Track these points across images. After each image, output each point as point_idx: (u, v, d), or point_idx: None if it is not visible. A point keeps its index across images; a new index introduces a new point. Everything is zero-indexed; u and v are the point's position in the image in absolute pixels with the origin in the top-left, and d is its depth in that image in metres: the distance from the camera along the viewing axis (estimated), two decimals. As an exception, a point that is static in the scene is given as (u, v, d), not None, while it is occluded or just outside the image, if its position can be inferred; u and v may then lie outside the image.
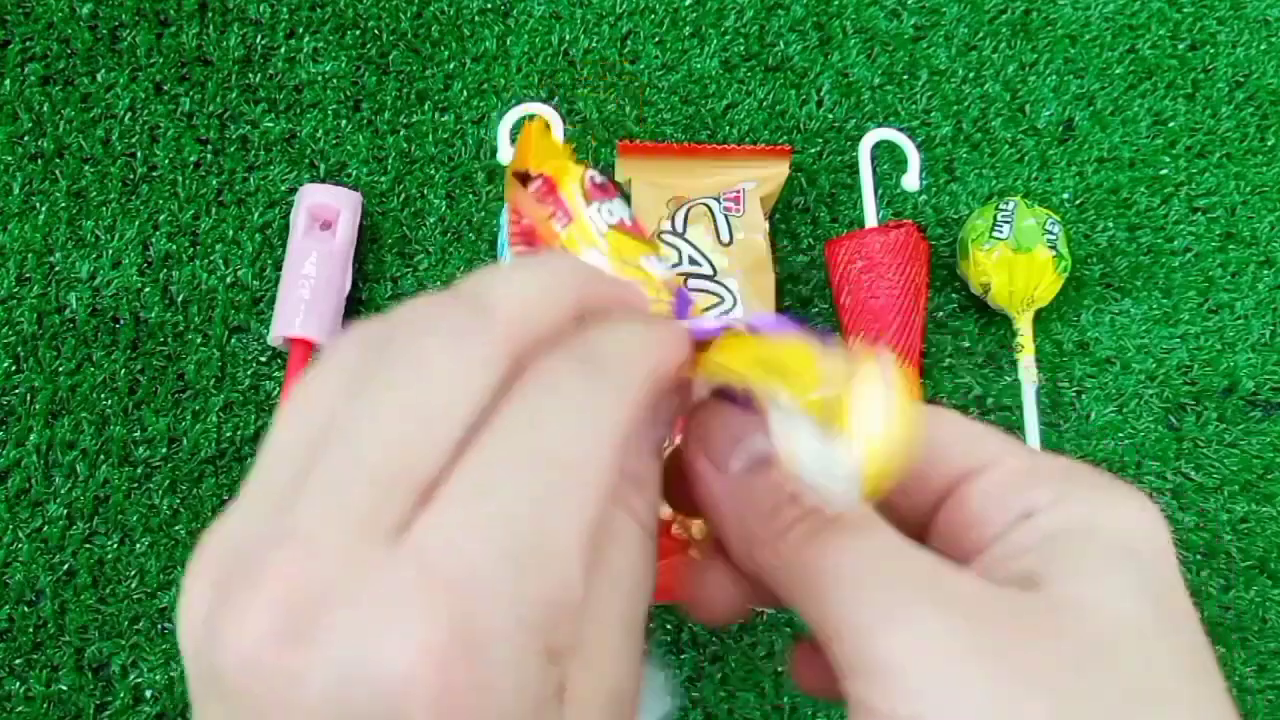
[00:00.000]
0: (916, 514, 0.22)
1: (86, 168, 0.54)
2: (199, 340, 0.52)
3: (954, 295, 0.55)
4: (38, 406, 0.50)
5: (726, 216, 0.51)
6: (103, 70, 0.55)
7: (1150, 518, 0.20)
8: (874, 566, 0.19)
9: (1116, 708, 0.17)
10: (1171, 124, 0.58)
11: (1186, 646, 0.19)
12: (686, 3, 0.59)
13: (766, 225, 0.53)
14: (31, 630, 0.47)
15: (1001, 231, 0.51)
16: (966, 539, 0.20)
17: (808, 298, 0.54)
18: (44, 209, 0.53)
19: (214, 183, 0.54)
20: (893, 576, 0.19)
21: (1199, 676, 0.19)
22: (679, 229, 0.51)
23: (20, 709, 0.46)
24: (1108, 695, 0.17)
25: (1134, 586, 0.19)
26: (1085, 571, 0.19)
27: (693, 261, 0.51)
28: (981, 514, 0.20)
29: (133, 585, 0.48)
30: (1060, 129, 0.58)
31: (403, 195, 0.54)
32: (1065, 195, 0.56)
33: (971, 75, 0.58)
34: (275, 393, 0.51)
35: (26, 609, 0.48)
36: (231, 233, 0.53)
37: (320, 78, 0.56)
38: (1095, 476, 0.21)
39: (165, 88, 0.55)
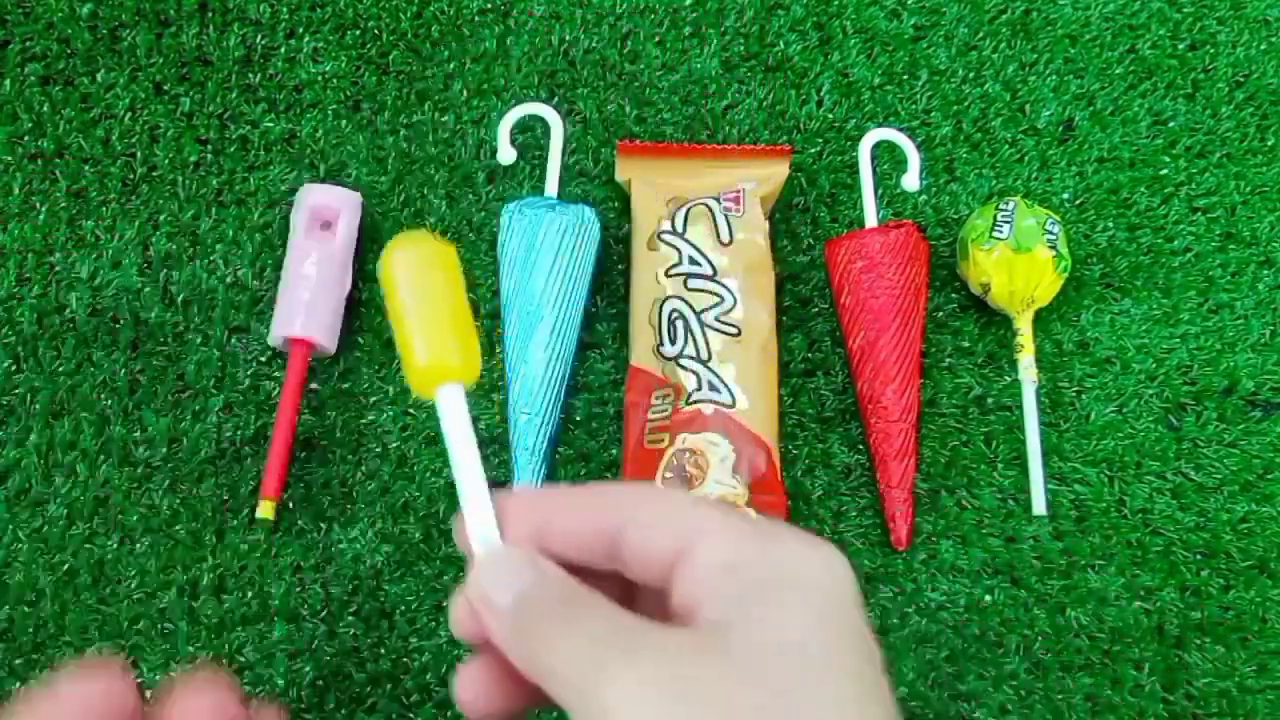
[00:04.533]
0: (655, 586, 0.26)
1: (86, 168, 0.54)
2: (199, 340, 0.52)
3: (954, 295, 0.55)
4: (38, 406, 0.50)
5: (726, 216, 0.51)
6: (103, 70, 0.55)
7: (833, 565, 0.24)
8: (587, 637, 0.24)
9: (777, 716, 0.22)
10: (1171, 124, 0.58)
11: (851, 667, 0.23)
12: (686, 3, 0.59)
13: (766, 225, 0.53)
14: (31, 630, 0.47)
15: (1001, 231, 0.51)
16: (690, 599, 0.24)
17: (808, 298, 0.54)
18: (44, 209, 0.53)
19: (214, 183, 0.54)
20: (604, 642, 0.24)
21: (857, 692, 0.23)
22: (679, 229, 0.51)
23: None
24: (772, 710, 0.22)
25: (810, 622, 0.23)
26: (769, 611, 0.23)
27: (693, 261, 0.51)
28: (695, 576, 0.24)
29: (133, 585, 0.48)
30: (1060, 129, 0.58)
31: (403, 195, 0.54)
32: (1065, 195, 0.56)
33: (971, 75, 0.58)
34: (275, 393, 0.51)
35: (26, 609, 0.48)
36: (231, 233, 0.53)
37: (320, 78, 0.56)
38: (793, 534, 0.25)
39: (165, 88, 0.56)
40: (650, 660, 0.23)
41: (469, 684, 0.27)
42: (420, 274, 0.34)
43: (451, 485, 0.51)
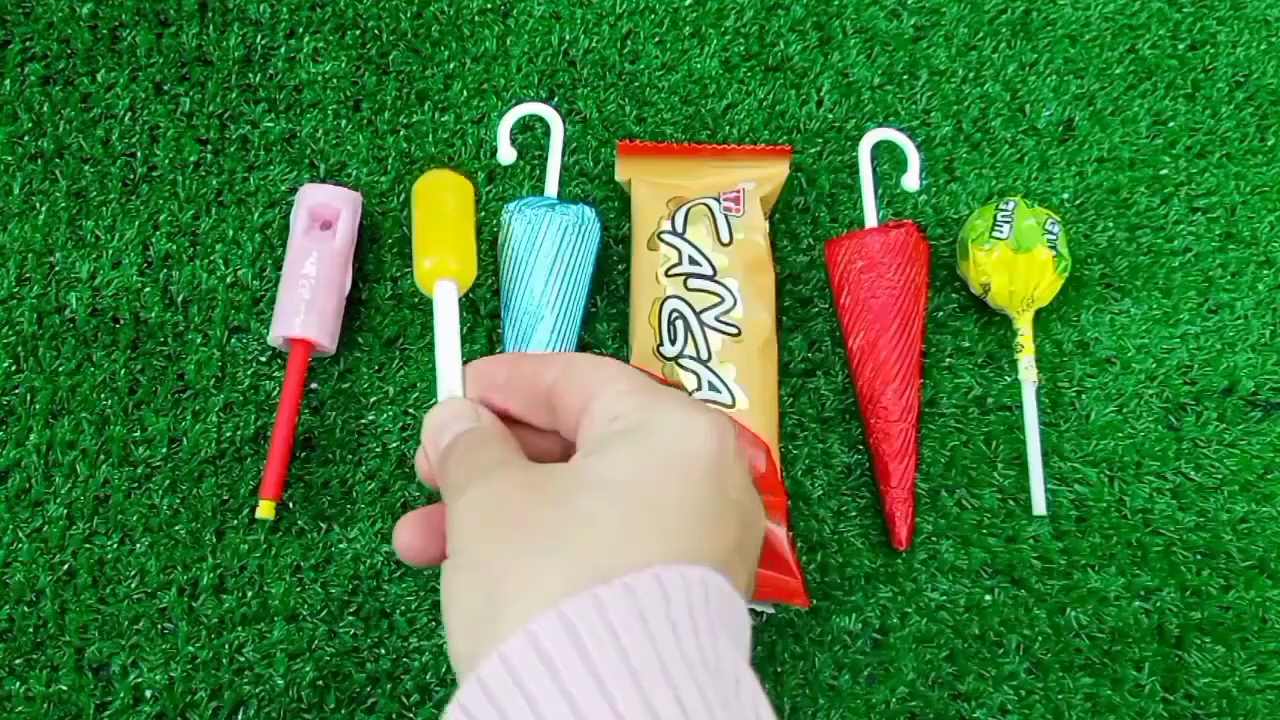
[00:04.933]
0: (570, 433, 0.30)
1: (86, 168, 0.54)
2: (199, 340, 0.52)
3: (954, 295, 0.55)
4: (38, 406, 0.50)
5: (726, 216, 0.51)
6: (103, 70, 0.55)
7: (700, 428, 0.27)
8: (466, 465, 0.29)
9: (561, 531, 0.25)
10: (1171, 124, 0.58)
11: (674, 508, 0.26)
12: (686, 3, 0.59)
13: (766, 225, 0.53)
14: (31, 630, 0.47)
15: (1001, 231, 0.51)
16: (579, 447, 0.29)
17: (808, 298, 0.54)
18: (44, 209, 0.53)
19: (214, 183, 0.54)
20: (472, 469, 0.28)
21: (671, 527, 0.25)
22: (679, 229, 0.51)
23: (20, 709, 0.46)
24: (559, 529, 0.25)
25: (646, 465, 0.26)
26: (613, 454, 0.27)
27: (693, 261, 0.51)
28: (585, 426, 0.29)
29: (133, 585, 0.48)
30: (1060, 129, 0.58)
31: (403, 195, 0.54)
32: (1065, 195, 0.56)
33: (971, 75, 0.58)
34: (275, 393, 0.51)
35: (26, 609, 0.48)
36: (231, 233, 0.53)
37: (320, 78, 0.56)
38: (677, 399, 0.28)
39: (165, 88, 0.56)
40: (483, 486, 0.27)
41: (408, 529, 0.31)
42: (439, 195, 0.46)
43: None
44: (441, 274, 0.44)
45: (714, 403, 0.48)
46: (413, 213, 0.46)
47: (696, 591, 0.24)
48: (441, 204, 0.46)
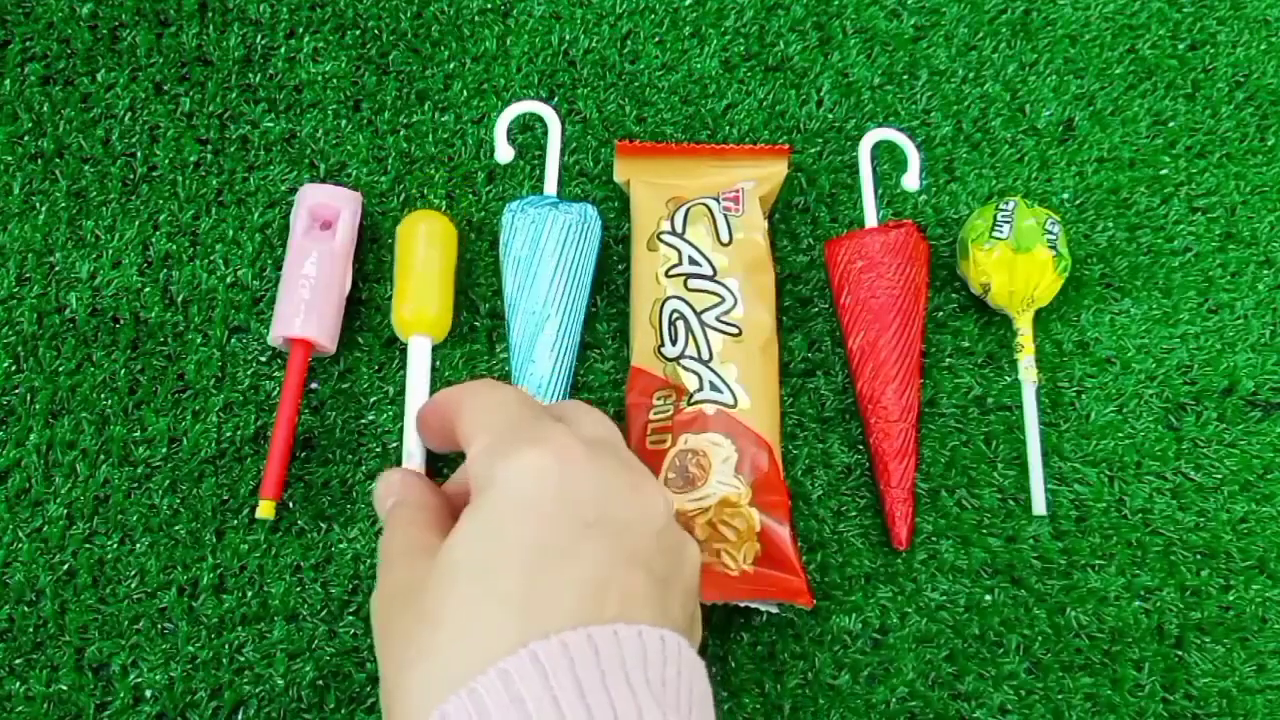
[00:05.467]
0: None
1: (86, 168, 0.54)
2: (199, 340, 0.52)
3: (954, 295, 0.55)
4: (38, 406, 0.50)
5: (726, 216, 0.51)
6: (103, 70, 0.55)
7: (522, 468, 0.28)
8: (385, 544, 0.33)
9: (418, 639, 0.26)
10: (1171, 124, 0.58)
11: (492, 581, 0.26)
12: (686, 3, 0.59)
13: (766, 225, 0.53)
14: (31, 630, 0.47)
15: (1001, 231, 0.51)
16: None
17: (808, 298, 0.54)
18: (44, 209, 0.53)
19: (214, 183, 0.54)
20: (387, 550, 0.32)
21: (502, 605, 0.25)
22: (678, 229, 0.51)
23: (20, 709, 0.46)
24: (421, 636, 0.26)
25: (475, 532, 0.27)
26: (458, 526, 0.28)
27: (692, 261, 0.51)
28: (465, 474, 0.31)
29: (133, 585, 0.48)
30: (1060, 129, 0.58)
31: (403, 195, 0.54)
32: (1065, 195, 0.56)
33: (971, 75, 0.58)
34: (275, 393, 0.51)
35: (26, 609, 0.48)
36: (231, 233, 0.53)
37: (320, 78, 0.56)
38: (522, 440, 0.28)
39: (165, 88, 0.55)
40: (382, 579, 0.30)
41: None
42: (417, 242, 0.50)
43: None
44: (415, 329, 0.49)
45: (716, 403, 0.48)
46: (398, 255, 0.51)
47: (560, 665, 0.23)
48: (423, 255, 0.50)
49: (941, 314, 0.54)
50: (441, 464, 0.50)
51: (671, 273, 0.51)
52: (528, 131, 0.56)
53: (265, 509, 0.47)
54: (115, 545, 0.49)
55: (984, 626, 0.49)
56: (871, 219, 0.54)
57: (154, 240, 0.53)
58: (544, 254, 0.50)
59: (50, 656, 0.47)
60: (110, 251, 0.53)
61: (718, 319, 0.50)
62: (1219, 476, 0.52)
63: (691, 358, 0.49)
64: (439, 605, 0.26)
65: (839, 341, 0.53)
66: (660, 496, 0.30)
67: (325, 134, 0.55)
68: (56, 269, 0.52)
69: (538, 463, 0.27)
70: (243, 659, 0.47)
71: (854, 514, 0.51)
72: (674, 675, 0.25)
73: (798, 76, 0.58)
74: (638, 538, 0.28)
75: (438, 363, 0.52)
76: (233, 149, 0.55)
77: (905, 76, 0.58)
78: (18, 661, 0.47)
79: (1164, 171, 0.57)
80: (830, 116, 0.57)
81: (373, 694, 0.47)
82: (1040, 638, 0.49)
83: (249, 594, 0.48)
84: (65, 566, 0.48)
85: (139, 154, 0.54)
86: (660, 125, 0.56)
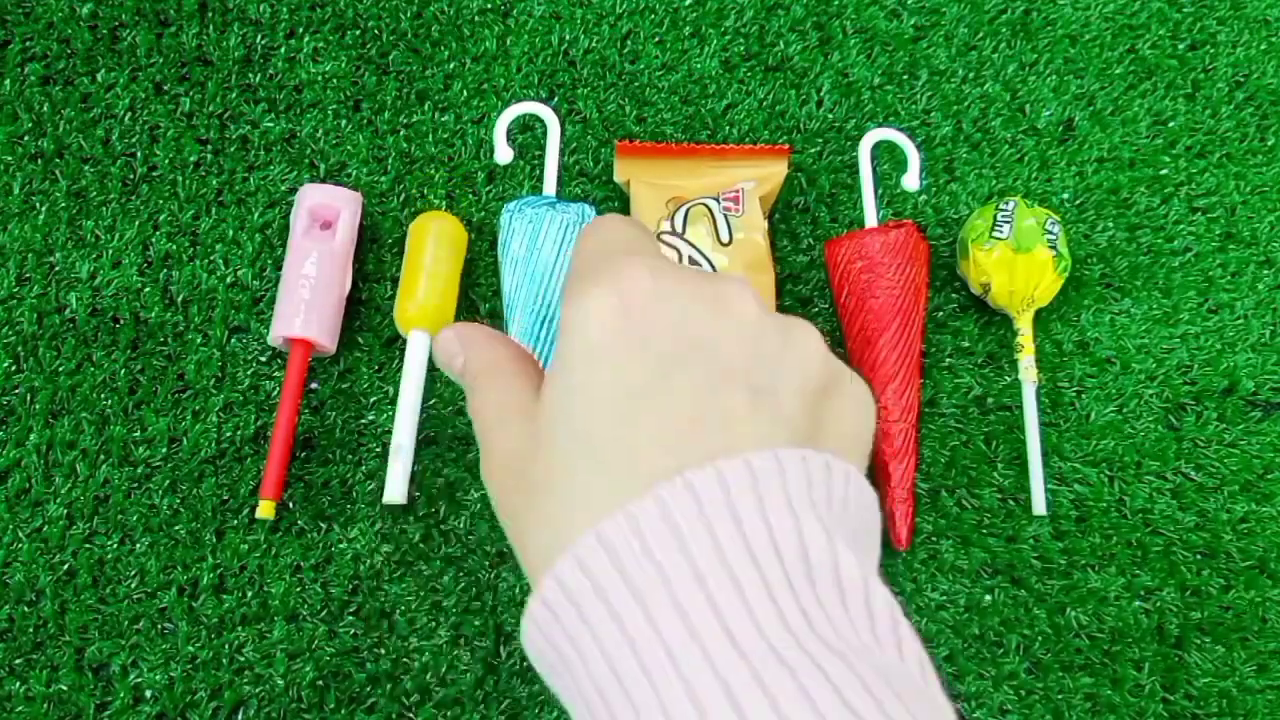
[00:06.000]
0: None
1: (86, 168, 0.54)
2: (199, 340, 0.52)
3: (954, 295, 0.55)
4: (38, 406, 0.50)
5: (726, 216, 0.51)
6: (103, 70, 0.55)
7: (583, 312, 0.25)
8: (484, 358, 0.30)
9: (553, 463, 0.25)
10: (1171, 124, 0.58)
11: (587, 434, 0.24)
12: (686, 3, 0.59)
13: (766, 225, 0.53)
14: (31, 630, 0.47)
15: (1001, 231, 0.51)
16: None
17: (808, 298, 0.54)
18: (44, 209, 0.53)
19: (214, 183, 0.54)
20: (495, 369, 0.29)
21: (599, 456, 0.24)
22: (679, 229, 0.51)
23: (20, 709, 0.46)
24: (547, 456, 0.25)
25: (551, 386, 0.26)
26: (545, 383, 0.26)
27: (693, 262, 0.51)
28: None
29: (133, 585, 0.48)
30: (1060, 129, 0.58)
31: (403, 195, 0.54)
32: (1065, 195, 0.56)
33: (971, 75, 0.58)
34: (275, 393, 0.51)
35: (26, 609, 0.48)
36: (231, 233, 0.53)
37: (320, 78, 0.56)
38: (586, 276, 0.26)
39: (165, 88, 0.56)
40: (483, 436, 0.28)
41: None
42: (432, 243, 0.51)
43: (451, 484, 0.51)
44: (415, 325, 0.50)
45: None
46: (407, 252, 0.51)
47: (688, 508, 0.22)
48: (428, 251, 0.51)
49: (941, 314, 0.54)
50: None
51: (671, 273, 0.51)
52: (528, 131, 0.56)
53: (265, 509, 0.47)
54: (115, 545, 0.48)
55: (984, 626, 0.49)
56: (871, 219, 0.54)
57: (154, 240, 0.53)
58: (542, 253, 0.50)
59: (50, 656, 0.47)
60: (110, 251, 0.53)
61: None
62: (1219, 476, 0.52)
63: (691, 358, 0.49)
64: (547, 473, 0.25)
65: (839, 341, 0.53)
66: (743, 292, 0.26)
67: (325, 134, 0.55)
68: (56, 269, 0.52)
69: (600, 303, 0.25)
70: (243, 659, 0.47)
71: (854, 514, 0.51)
72: (824, 496, 0.23)
73: (798, 76, 0.58)
74: (730, 355, 0.25)
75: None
76: (233, 149, 0.55)
77: (905, 76, 0.58)
78: (18, 661, 0.47)
79: (1164, 171, 0.57)
80: (830, 116, 0.57)
81: (373, 694, 0.47)
82: (1040, 638, 0.49)
83: (249, 594, 0.48)
84: (65, 566, 0.48)
85: (139, 154, 0.54)
86: (660, 125, 0.56)
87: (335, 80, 0.56)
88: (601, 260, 0.26)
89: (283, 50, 0.56)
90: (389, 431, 0.51)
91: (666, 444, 0.23)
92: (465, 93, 0.56)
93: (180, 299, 0.52)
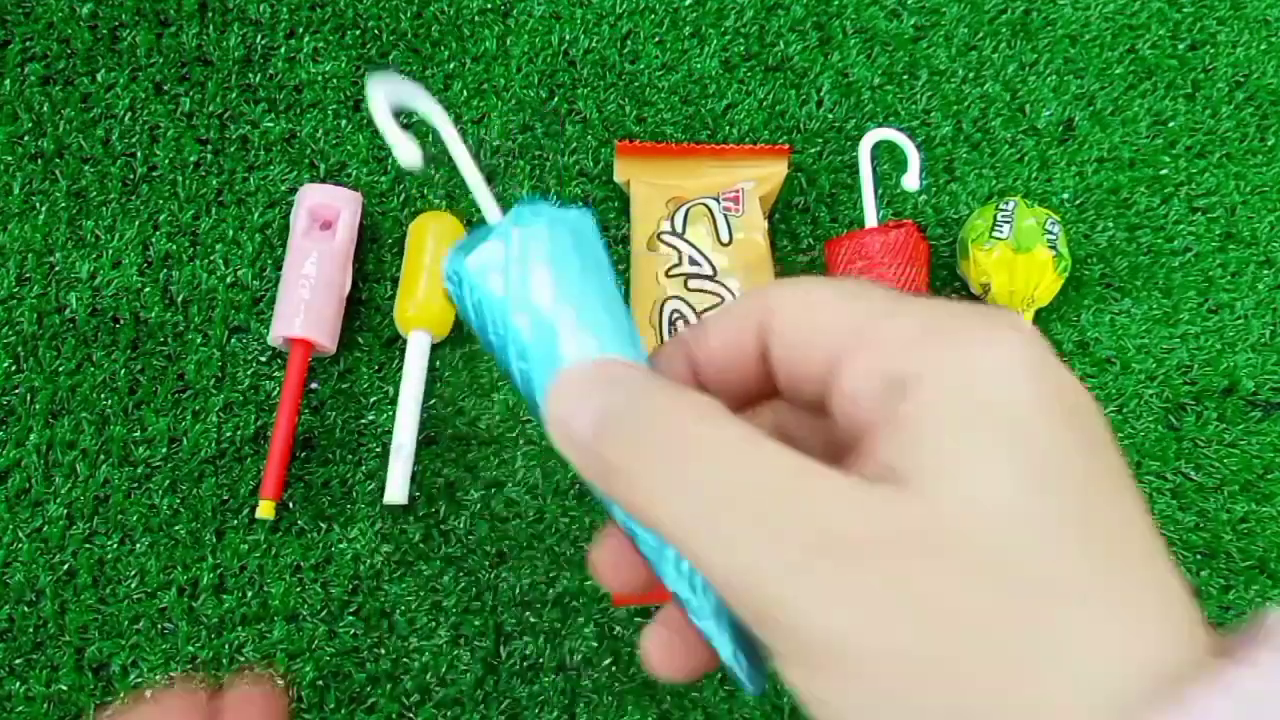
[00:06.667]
0: (810, 405, 0.20)
1: (86, 168, 0.54)
2: (199, 340, 0.52)
3: (954, 295, 0.55)
4: (38, 406, 0.50)
5: (726, 216, 0.51)
6: (103, 70, 0.55)
7: (1017, 355, 0.17)
8: (736, 498, 0.17)
9: (1019, 624, 0.15)
10: (1171, 124, 0.58)
11: (1099, 522, 0.16)
12: (686, 3, 0.59)
13: (766, 225, 0.53)
14: (31, 630, 0.47)
15: (1001, 231, 0.51)
16: (852, 422, 0.18)
17: (808, 298, 0.54)
18: (44, 209, 0.53)
19: (214, 183, 0.54)
20: (770, 512, 0.17)
21: (1121, 553, 0.16)
22: (679, 229, 0.51)
23: (20, 709, 0.46)
24: (1008, 611, 0.16)
25: (1012, 467, 0.16)
26: (954, 459, 0.17)
27: (693, 262, 0.51)
28: (855, 393, 0.18)
29: (133, 585, 0.48)
30: (1060, 129, 0.58)
31: (403, 195, 0.54)
32: (1065, 195, 0.56)
33: (971, 75, 0.58)
34: (275, 393, 0.51)
35: (26, 609, 0.48)
36: (231, 233, 0.53)
37: (320, 78, 0.56)
38: (960, 320, 0.18)
39: (165, 88, 0.55)
40: (857, 562, 0.16)
41: (662, 642, 0.21)
42: (432, 243, 0.50)
43: (451, 484, 0.51)
44: (416, 325, 0.50)
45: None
46: (407, 253, 0.51)
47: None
48: (429, 251, 0.51)
49: (941, 314, 0.54)
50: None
51: (672, 273, 0.51)
52: (528, 132, 0.56)
53: (265, 509, 0.47)
54: (115, 545, 0.49)
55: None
56: (871, 219, 0.54)
57: (154, 240, 0.53)
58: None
59: (50, 656, 0.47)
60: (110, 251, 0.53)
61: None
62: (1219, 476, 0.52)
63: (691, 358, 0.49)
64: (1049, 574, 0.16)
65: (839, 341, 0.53)
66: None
67: (325, 134, 0.55)
68: (56, 269, 0.52)
69: (1008, 350, 0.17)
70: (243, 659, 0.47)
71: (854, 514, 0.51)
72: None
73: (798, 76, 0.58)
74: (1096, 414, 0.18)
75: (436, 362, 0.52)
76: (233, 149, 0.55)
77: (905, 76, 0.58)
78: (18, 661, 0.47)
79: (1164, 171, 0.57)
80: (830, 116, 0.57)
81: (373, 694, 0.47)
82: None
83: (249, 594, 0.48)
84: (65, 566, 0.48)
85: (139, 154, 0.54)
86: (660, 125, 0.56)
87: (335, 80, 0.56)
88: (930, 312, 0.18)
89: (283, 50, 0.56)
90: (389, 431, 0.51)
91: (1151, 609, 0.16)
92: (465, 93, 0.56)
93: (180, 299, 0.52)
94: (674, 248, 0.51)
